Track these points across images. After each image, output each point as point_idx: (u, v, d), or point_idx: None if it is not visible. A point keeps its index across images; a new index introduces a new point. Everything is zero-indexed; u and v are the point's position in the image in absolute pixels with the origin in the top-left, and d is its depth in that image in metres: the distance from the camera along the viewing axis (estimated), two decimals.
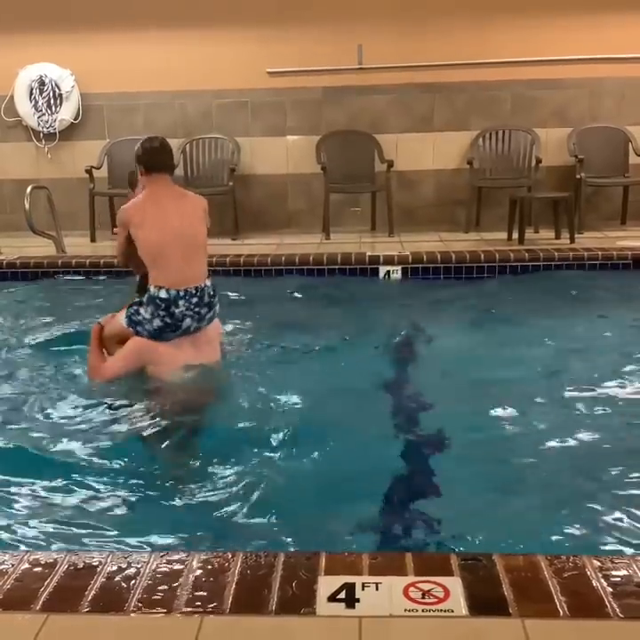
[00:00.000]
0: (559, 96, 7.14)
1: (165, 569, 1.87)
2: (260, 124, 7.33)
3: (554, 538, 2.30)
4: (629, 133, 7.03)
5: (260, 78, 7.18)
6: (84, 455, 2.95)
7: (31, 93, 7.37)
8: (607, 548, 2.25)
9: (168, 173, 3.69)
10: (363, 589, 1.76)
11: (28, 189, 6.21)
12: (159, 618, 1.70)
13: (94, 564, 1.89)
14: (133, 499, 2.67)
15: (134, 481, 2.77)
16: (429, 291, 5.48)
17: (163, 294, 3.53)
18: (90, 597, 1.76)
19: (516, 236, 6.47)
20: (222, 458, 2.87)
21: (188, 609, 1.71)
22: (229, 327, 4.33)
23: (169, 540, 2.36)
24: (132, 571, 1.86)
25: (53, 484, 2.73)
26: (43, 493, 2.67)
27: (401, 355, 4.25)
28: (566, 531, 2.34)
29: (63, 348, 4.17)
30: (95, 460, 2.91)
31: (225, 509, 2.54)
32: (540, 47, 6.96)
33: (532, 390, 3.51)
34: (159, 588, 1.79)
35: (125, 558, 1.92)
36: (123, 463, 2.90)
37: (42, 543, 2.35)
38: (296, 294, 5.40)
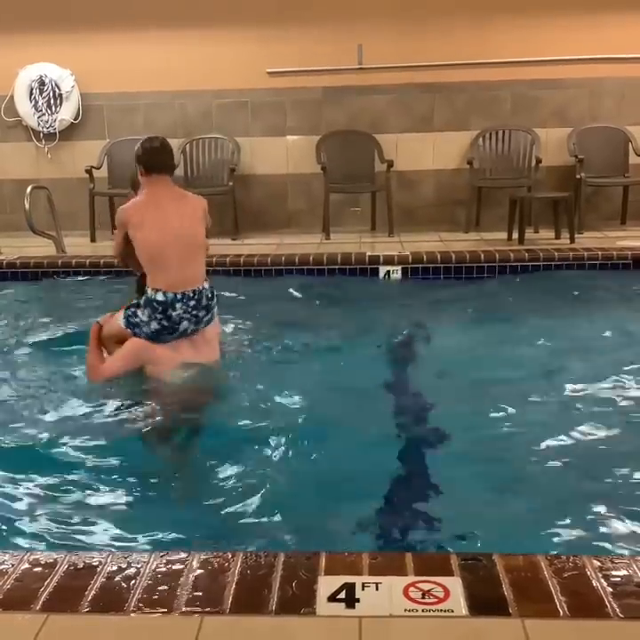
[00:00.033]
0: (559, 96, 7.14)
1: (165, 569, 1.87)
2: (260, 124, 7.32)
3: (554, 538, 2.31)
4: (629, 133, 7.02)
5: (260, 78, 7.18)
6: (84, 455, 2.94)
7: (31, 93, 7.36)
8: (607, 548, 2.25)
9: (168, 174, 3.67)
10: (363, 589, 1.76)
11: (28, 189, 6.20)
12: (159, 618, 1.70)
13: (94, 564, 1.89)
14: (133, 499, 2.68)
15: (134, 481, 2.78)
16: (429, 291, 5.48)
17: (160, 297, 3.51)
18: (90, 597, 1.76)
19: (515, 236, 6.46)
20: (222, 458, 2.87)
21: (188, 609, 1.71)
22: (229, 327, 4.33)
23: (169, 540, 2.36)
24: (131, 571, 1.86)
25: (53, 483, 2.73)
26: (42, 493, 2.67)
27: (401, 355, 4.26)
28: (566, 531, 2.34)
29: (63, 348, 4.17)
30: (95, 459, 2.91)
31: (225, 509, 2.54)
32: (540, 47, 6.95)
33: (531, 390, 3.51)
34: (159, 587, 1.79)
35: (125, 558, 1.92)
36: (122, 463, 2.90)
37: (42, 543, 2.35)
38: (296, 294, 5.39)
